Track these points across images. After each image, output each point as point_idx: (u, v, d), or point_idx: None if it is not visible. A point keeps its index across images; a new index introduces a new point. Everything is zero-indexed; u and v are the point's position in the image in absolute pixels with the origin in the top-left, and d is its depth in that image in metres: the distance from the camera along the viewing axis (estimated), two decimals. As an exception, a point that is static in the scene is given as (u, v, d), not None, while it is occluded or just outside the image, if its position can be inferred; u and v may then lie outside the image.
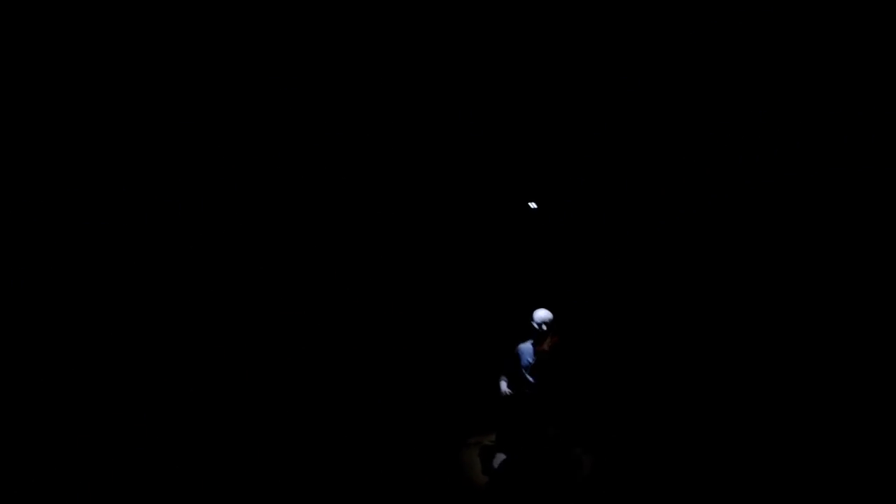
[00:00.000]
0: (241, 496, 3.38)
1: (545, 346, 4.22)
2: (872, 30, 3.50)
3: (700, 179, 4.23)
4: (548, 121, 4.48)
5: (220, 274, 4.10)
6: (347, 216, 4.59)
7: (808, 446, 3.06)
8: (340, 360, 4.79)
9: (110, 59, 3.43)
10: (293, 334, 4.46)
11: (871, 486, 2.60)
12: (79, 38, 3.26)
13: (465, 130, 4.56)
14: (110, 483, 2.65)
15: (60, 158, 3.40)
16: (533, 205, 5.29)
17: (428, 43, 4.09)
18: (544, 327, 4.24)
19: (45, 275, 3.35)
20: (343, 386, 4.80)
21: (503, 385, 4.32)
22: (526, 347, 4.32)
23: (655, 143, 4.39)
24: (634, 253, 4.54)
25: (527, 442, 4.21)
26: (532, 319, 4.30)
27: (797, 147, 3.86)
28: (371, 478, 4.01)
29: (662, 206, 4.40)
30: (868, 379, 3.16)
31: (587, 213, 4.64)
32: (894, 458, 2.72)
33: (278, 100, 4.13)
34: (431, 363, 5.49)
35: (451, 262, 5.46)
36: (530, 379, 4.23)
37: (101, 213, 3.60)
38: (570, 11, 3.92)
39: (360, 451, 4.33)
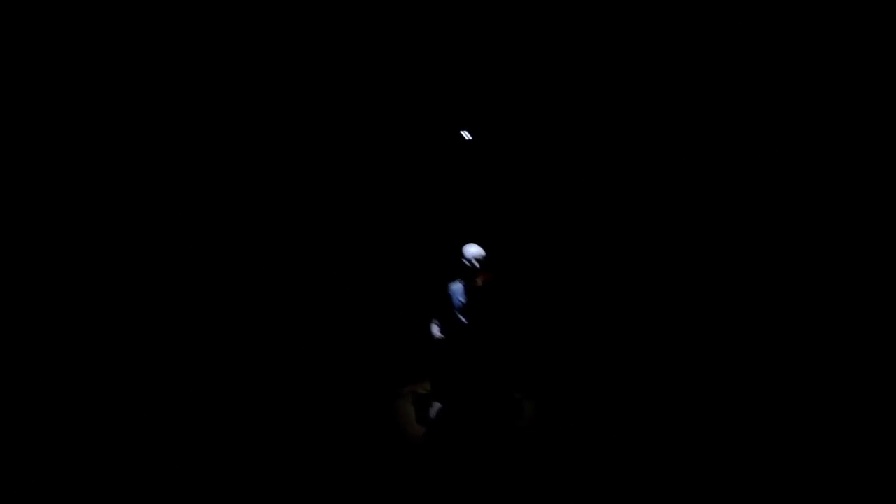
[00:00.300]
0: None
1: (477, 284, 3.82)
2: (872, 30, 3.43)
3: (700, 179, 4.20)
4: (547, 120, 4.41)
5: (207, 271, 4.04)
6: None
7: (779, 437, 2.96)
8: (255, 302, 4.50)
9: (110, 59, 3.43)
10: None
11: (870, 487, 2.47)
12: (79, 38, 3.24)
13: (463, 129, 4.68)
14: (110, 483, 2.62)
15: (60, 158, 3.36)
16: (466, 134, 4.73)
17: (427, 42, 4.10)
18: (476, 264, 3.83)
19: (44, 274, 3.36)
20: (262, 335, 4.40)
21: (435, 329, 3.92)
22: (457, 287, 3.91)
23: (655, 143, 4.36)
24: (634, 253, 4.48)
25: (462, 388, 3.90)
26: (462, 256, 3.86)
27: (797, 147, 3.81)
28: (297, 436, 3.61)
29: (662, 205, 4.36)
30: (867, 379, 3.08)
31: (587, 213, 4.56)
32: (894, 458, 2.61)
33: (278, 99, 4.14)
34: (355, 309, 5.02)
35: (372, 195, 4.93)
36: (463, 320, 3.85)
37: (101, 214, 3.58)
38: (570, 11, 3.88)
39: (284, 408, 3.87)
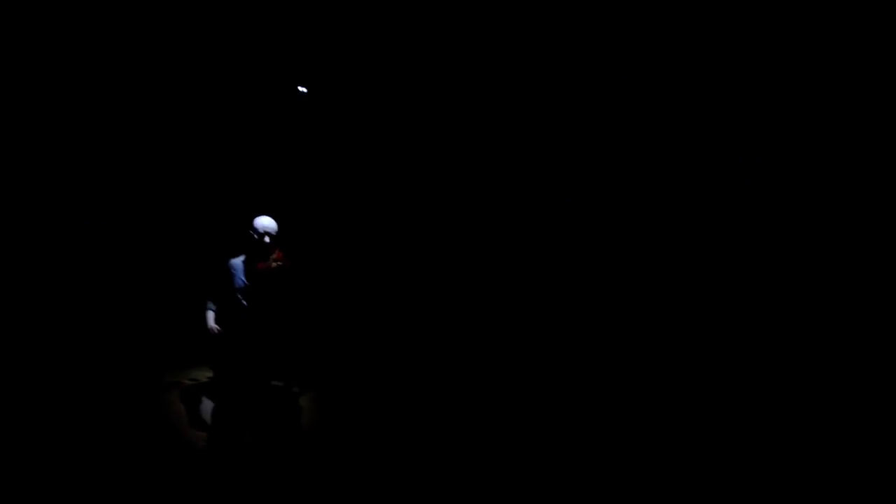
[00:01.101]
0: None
1: (269, 264, 3.20)
2: (872, 30, 3.31)
3: (700, 179, 4.04)
4: (547, 120, 4.24)
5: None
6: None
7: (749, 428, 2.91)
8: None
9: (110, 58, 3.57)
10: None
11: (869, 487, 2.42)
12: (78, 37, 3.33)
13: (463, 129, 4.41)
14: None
15: (60, 158, 3.48)
16: (302, 89, 4.28)
17: (427, 42, 4.05)
18: (267, 239, 3.18)
19: (44, 274, 3.51)
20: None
21: (210, 318, 3.23)
22: (238, 262, 3.24)
23: (655, 143, 4.19)
24: (634, 252, 4.27)
25: (239, 382, 3.33)
26: (251, 228, 3.19)
27: (797, 147, 3.68)
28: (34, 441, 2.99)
29: (662, 205, 4.20)
30: (867, 380, 3.01)
31: (587, 212, 4.34)
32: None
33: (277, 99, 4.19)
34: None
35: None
36: (244, 303, 3.22)
37: (101, 213, 3.79)
38: (570, 11, 3.81)
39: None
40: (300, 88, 4.44)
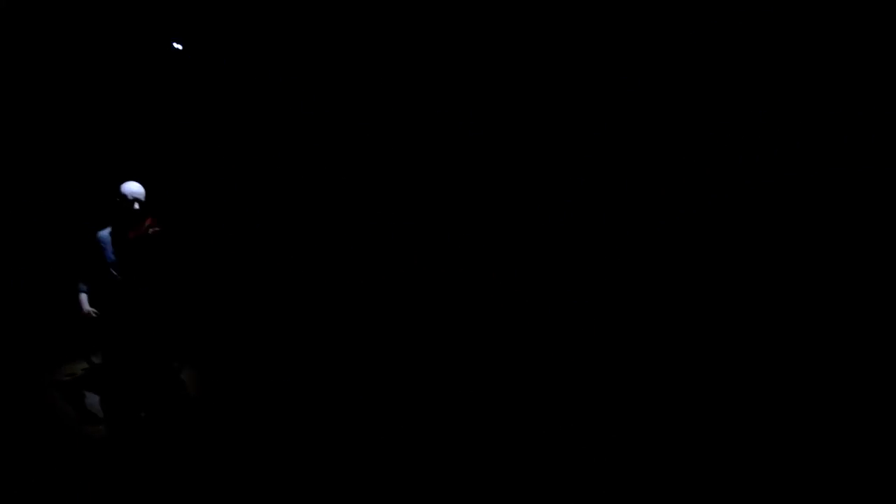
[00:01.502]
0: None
1: (143, 231, 2.91)
2: (872, 29, 3.27)
3: (700, 179, 3.94)
4: (547, 119, 4.12)
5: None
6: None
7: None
8: None
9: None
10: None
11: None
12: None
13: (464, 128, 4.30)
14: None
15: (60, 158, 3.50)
16: (177, 45, 3.99)
17: (427, 42, 3.97)
18: (136, 206, 2.89)
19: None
20: None
21: (84, 301, 2.90)
22: (106, 234, 2.93)
23: (655, 143, 4.08)
24: (635, 251, 4.16)
25: (125, 365, 3.03)
26: (118, 196, 2.89)
27: (797, 147, 3.62)
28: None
29: (662, 205, 4.10)
30: (867, 380, 2.96)
31: (587, 212, 4.23)
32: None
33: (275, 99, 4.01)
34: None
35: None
36: (118, 277, 2.92)
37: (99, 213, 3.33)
38: (570, 10, 3.76)
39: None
40: (175, 45, 4.07)
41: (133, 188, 2.90)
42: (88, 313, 2.86)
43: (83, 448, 2.69)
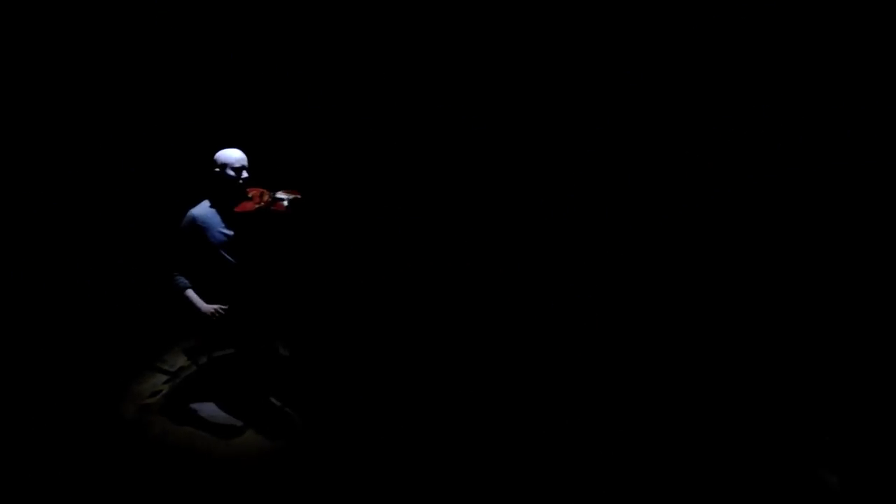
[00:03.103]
0: None
1: (251, 206, 2.47)
2: (873, 26, 3.29)
3: (701, 175, 3.91)
4: (550, 115, 4.08)
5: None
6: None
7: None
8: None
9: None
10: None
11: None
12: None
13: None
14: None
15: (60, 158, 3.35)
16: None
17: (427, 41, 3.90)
18: (243, 174, 2.44)
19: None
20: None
21: (195, 298, 2.39)
22: (208, 214, 2.45)
23: (657, 139, 4.03)
24: (636, 248, 4.07)
25: (246, 367, 2.59)
26: (217, 166, 2.41)
27: (799, 142, 3.61)
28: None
29: (664, 200, 4.04)
30: (867, 379, 2.93)
31: (590, 207, 4.15)
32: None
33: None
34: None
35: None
36: (231, 260, 2.47)
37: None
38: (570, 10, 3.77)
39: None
40: None
41: (238, 154, 2.45)
42: (213, 312, 2.37)
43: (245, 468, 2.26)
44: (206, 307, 2.36)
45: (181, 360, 2.93)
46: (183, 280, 2.41)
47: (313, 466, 2.32)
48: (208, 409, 2.54)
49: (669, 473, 2.35)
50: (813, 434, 2.71)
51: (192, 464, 2.31)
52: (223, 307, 2.37)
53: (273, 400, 2.63)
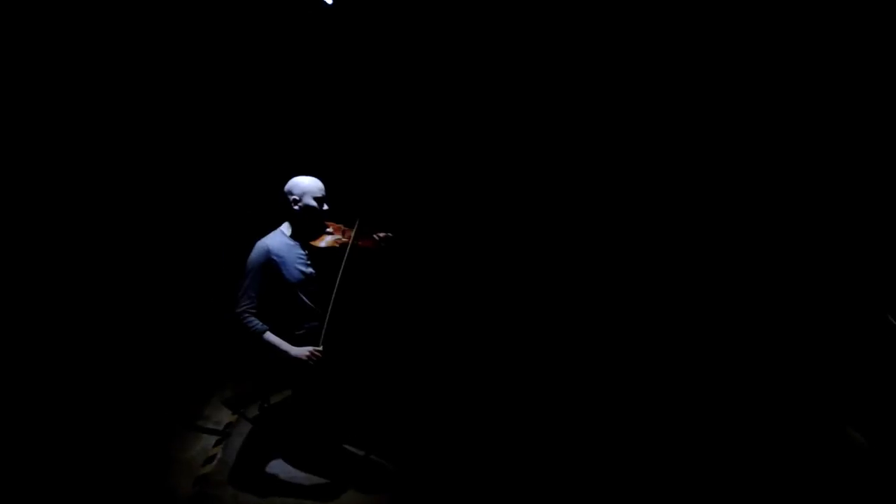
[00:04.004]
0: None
1: (334, 241, 2.19)
2: (873, 28, 3.26)
3: (700, 177, 3.90)
4: (551, 116, 4.05)
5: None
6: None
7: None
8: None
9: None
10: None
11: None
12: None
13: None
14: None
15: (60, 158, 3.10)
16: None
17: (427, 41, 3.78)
18: (323, 204, 2.16)
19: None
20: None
21: (281, 343, 2.07)
22: (283, 247, 2.14)
23: (656, 140, 3.99)
24: (636, 248, 4.04)
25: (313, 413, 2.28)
26: (293, 195, 2.12)
27: (798, 143, 3.60)
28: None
29: (663, 202, 4.03)
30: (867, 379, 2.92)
31: (589, 208, 4.11)
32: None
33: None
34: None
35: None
36: (309, 304, 2.17)
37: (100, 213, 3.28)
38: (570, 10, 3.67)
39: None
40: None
41: (318, 182, 2.17)
42: (310, 356, 2.06)
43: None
44: (298, 351, 2.06)
45: (225, 415, 2.53)
46: (258, 322, 2.09)
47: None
48: (285, 470, 2.21)
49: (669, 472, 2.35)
50: (840, 393, 2.88)
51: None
52: (318, 349, 2.08)
53: (351, 448, 2.37)
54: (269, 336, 2.07)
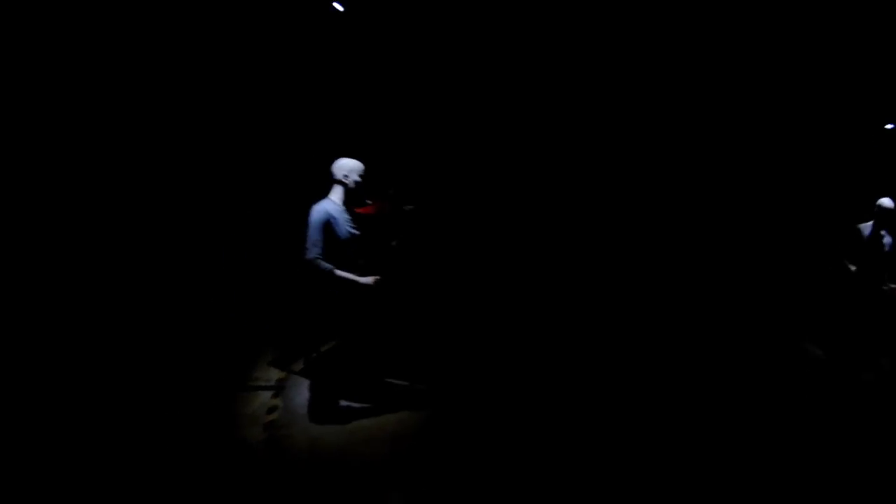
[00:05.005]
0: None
1: (372, 209, 2.57)
2: (872, 28, 3.32)
3: (698, 175, 3.96)
4: (548, 117, 4.10)
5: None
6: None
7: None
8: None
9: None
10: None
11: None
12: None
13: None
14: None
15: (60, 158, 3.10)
16: (338, 6, 3.59)
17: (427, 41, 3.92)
18: (360, 181, 2.52)
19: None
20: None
21: (346, 274, 2.42)
22: (336, 210, 2.46)
23: (658, 139, 4.05)
24: (638, 245, 4.13)
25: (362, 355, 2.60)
26: (342, 173, 2.48)
27: (796, 143, 3.68)
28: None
29: (661, 201, 4.08)
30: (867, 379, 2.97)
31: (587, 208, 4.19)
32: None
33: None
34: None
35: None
36: (353, 257, 2.50)
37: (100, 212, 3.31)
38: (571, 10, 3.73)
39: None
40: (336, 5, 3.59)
41: (360, 164, 2.55)
42: (374, 282, 2.47)
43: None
44: (365, 279, 2.45)
45: (274, 374, 2.76)
46: (328, 264, 2.40)
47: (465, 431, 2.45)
48: (341, 403, 2.51)
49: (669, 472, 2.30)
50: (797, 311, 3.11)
51: (374, 452, 2.26)
52: (378, 277, 2.46)
53: (393, 380, 2.72)
54: (339, 272, 2.40)
